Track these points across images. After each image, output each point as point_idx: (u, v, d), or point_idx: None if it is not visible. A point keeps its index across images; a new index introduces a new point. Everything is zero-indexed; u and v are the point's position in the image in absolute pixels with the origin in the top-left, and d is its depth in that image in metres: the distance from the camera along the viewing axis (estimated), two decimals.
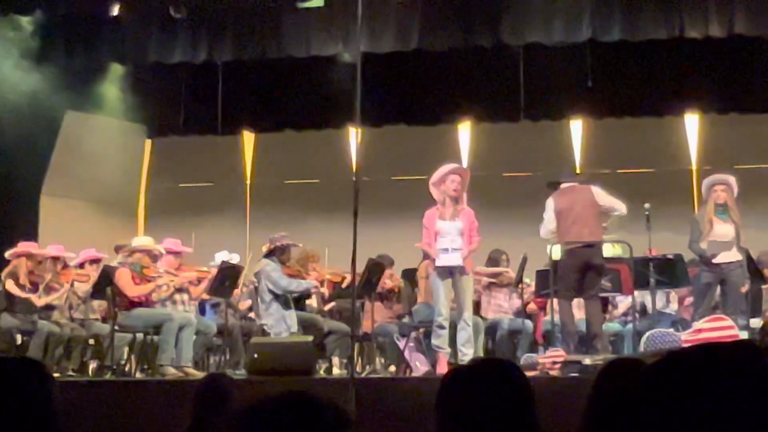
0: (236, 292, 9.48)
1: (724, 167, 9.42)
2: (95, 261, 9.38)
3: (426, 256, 8.26)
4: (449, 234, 7.65)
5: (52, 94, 10.53)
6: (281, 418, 1.54)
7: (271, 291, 8.55)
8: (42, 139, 11.26)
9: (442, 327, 7.63)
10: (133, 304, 8.34)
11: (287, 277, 8.60)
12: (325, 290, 9.64)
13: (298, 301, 8.95)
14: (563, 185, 8.03)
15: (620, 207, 7.86)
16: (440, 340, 7.67)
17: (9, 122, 10.24)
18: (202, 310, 9.74)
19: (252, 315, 9.75)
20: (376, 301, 9.05)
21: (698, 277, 8.06)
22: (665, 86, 11.53)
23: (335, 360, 9.15)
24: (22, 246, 8.86)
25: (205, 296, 9.39)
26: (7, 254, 8.83)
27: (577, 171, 11.32)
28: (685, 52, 10.85)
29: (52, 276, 8.76)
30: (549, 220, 7.88)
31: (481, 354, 8.19)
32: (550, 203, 7.92)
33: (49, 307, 8.76)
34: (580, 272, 7.73)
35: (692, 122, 12.29)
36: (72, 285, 8.94)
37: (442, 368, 7.55)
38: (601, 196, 7.87)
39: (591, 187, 7.94)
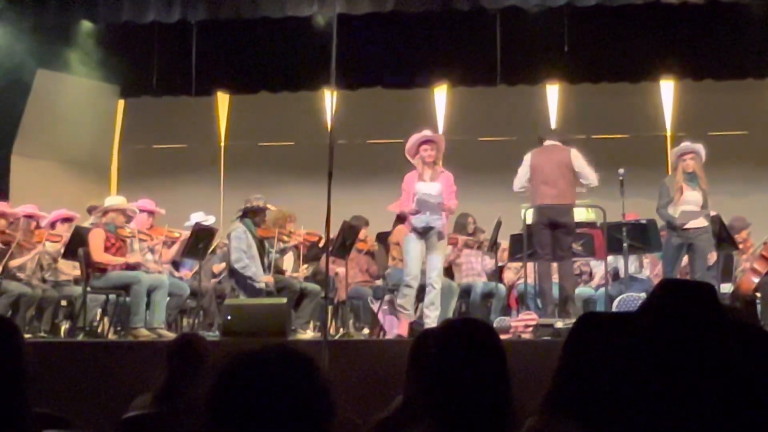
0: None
1: (698, 134, 9.48)
2: (67, 220, 9.28)
3: (399, 220, 8.24)
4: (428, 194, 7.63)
5: (23, 52, 10.36)
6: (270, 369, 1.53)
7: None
8: (12, 99, 11.09)
9: (409, 286, 7.62)
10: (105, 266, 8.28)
11: (241, 252, 8.45)
12: (301, 271, 9.53)
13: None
14: (545, 143, 8.06)
15: (591, 178, 7.83)
16: (405, 300, 7.63)
17: None
18: (173, 274, 9.69)
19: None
20: (350, 268, 9.05)
21: (668, 241, 8.17)
22: (641, 52, 11.53)
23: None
24: None
25: (174, 260, 9.35)
26: None
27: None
28: (661, 17, 10.85)
29: (23, 236, 8.64)
30: (523, 175, 7.94)
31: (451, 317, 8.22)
32: (527, 158, 7.97)
33: (20, 268, 8.66)
34: (549, 230, 7.78)
35: (667, 88, 12.32)
36: (44, 245, 8.85)
37: (403, 330, 7.56)
38: (577, 160, 7.88)
39: (570, 150, 7.95)
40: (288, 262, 9.47)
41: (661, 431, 1.37)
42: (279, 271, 8.88)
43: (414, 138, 7.76)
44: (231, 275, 8.53)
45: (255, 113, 13.01)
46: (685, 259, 8.20)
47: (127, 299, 8.21)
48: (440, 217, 7.57)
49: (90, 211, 9.38)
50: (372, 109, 12.43)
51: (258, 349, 1.56)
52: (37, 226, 9.00)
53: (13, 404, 1.99)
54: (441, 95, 12.65)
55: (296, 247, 9.38)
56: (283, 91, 12.47)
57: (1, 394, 1.97)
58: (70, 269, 9.02)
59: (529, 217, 8.03)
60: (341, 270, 9.09)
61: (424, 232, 7.58)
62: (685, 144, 8.25)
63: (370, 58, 11.86)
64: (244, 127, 13.19)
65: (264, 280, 8.38)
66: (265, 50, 11.91)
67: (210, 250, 9.36)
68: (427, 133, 7.87)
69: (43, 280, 8.92)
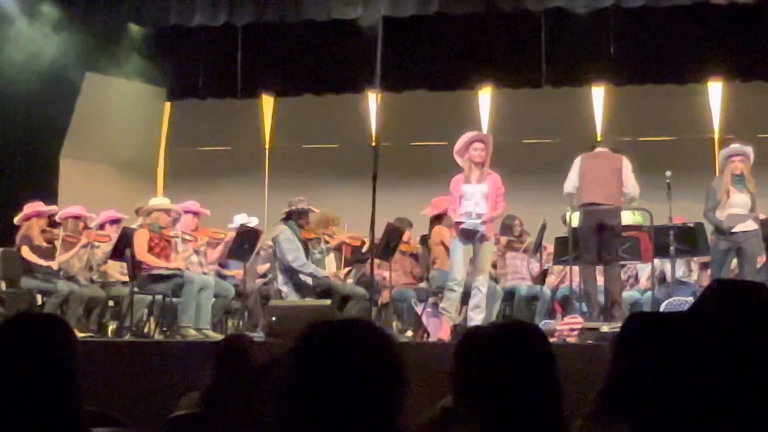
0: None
1: (746, 136, 9.33)
2: (115, 221, 9.40)
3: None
4: (473, 197, 7.61)
5: (72, 55, 10.51)
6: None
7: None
8: (61, 101, 11.26)
9: (452, 291, 7.62)
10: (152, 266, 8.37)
11: (295, 252, 8.52)
12: (342, 271, 9.55)
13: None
14: (597, 149, 8.00)
15: (634, 190, 7.80)
16: (448, 303, 7.65)
17: (28, 84, 10.24)
18: (220, 275, 9.77)
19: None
20: (394, 271, 9.06)
21: (715, 246, 8.07)
22: (688, 53, 11.39)
23: None
24: (29, 207, 8.79)
25: (220, 262, 9.42)
26: (16, 220, 8.78)
27: (599, 138, 11.26)
28: (709, 18, 10.71)
29: (66, 231, 8.73)
30: (573, 179, 7.86)
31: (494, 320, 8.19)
32: (577, 162, 7.88)
33: (67, 265, 8.75)
34: (597, 232, 7.71)
35: (715, 90, 12.15)
36: (92, 246, 8.96)
37: (444, 333, 7.55)
38: (627, 168, 7.80)
39: (623, 157, 7.89)
40: (329, 264, 9.51)
41: None
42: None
43: (465, 137, 7.75)
44: (286, 276, 8.56)
45: (299, 116, 13.07)
46: (733, 263, 8.08)
47: (174, 300, 8.29)
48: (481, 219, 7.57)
49: (138, 212, 9.50)
50: (416, 111, 12.42)
51: (335, 320, 1.60)
52: (85, 227, 9.12)
53: (67, 402, 2.03)
54: (485, 97, 12.61)
55: (338, 249, 9.41)
56: (328, 94, 12.52)
57: (55, 392, 2.01)
58: (118, 270, 9.14)
59: (575, 219, 7.97)
60: (387, 274, 9.13)
61: (469, 236, 7.57)
62: (734, 146, 8.13)
63: (414, 61, 11.87)
64: (288, 129, 13.25)
65: (327, 273, 8.51)
66: (310, 53, 11.95)
67: (255, 252, 9.42)
68: (476, 132, 7.88)
69: (91, 281, 9.04)
